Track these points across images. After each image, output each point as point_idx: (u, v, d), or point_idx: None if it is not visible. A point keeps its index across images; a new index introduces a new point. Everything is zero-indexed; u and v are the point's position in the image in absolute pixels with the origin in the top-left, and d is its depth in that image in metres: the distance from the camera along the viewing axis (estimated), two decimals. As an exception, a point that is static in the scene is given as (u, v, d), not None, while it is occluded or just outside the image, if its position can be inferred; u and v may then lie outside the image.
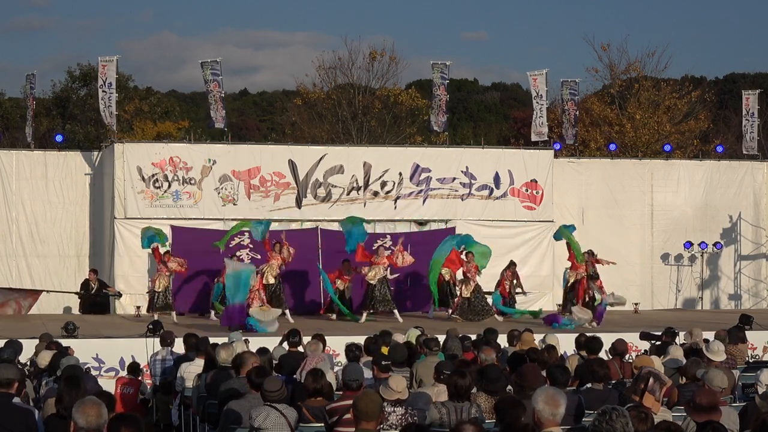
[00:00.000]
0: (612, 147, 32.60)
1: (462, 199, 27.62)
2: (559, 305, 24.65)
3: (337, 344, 16.83)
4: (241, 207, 26.55)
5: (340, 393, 9.78)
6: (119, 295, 25.73)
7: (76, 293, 25.93)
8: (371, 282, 23.15)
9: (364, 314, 23.18)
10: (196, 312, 24.99)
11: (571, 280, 23.86)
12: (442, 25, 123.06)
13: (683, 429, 8.27)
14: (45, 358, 12.60)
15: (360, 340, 13.57)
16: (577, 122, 31.77)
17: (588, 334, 14.04)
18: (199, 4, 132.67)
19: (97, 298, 25.72)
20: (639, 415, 7.19)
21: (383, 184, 27.42)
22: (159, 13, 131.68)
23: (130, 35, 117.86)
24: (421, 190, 27.61)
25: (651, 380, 8.46)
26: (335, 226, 26.09)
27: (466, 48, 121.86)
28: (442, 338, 13.58)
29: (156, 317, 22.04)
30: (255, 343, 14.41)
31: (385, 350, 12.65)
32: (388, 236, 26.35)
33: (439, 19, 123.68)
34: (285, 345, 13.85)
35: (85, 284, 25.99)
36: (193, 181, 26.37)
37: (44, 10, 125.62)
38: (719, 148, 32.68)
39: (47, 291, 26.12)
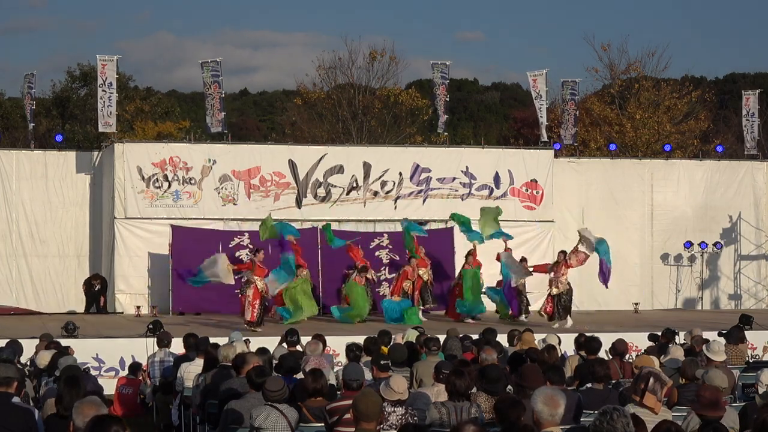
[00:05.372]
0: (612, 147, 32.60)
1: (462, 199, 27.61)
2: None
3: (337, 344, 16.86)
4: (241, 207, 26.56)
5: (340, 393, 9.78)
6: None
7: (83, 313, 25.68)
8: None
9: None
10: (196, 312, 24.95)
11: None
12: (438, 25, 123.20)
13: (683, 429, 8.28)
14: (45, 358, 12.59)
15: (360, 340, 13.56)
16: (577, 122, 31.76)
17: (587, 334, 14.05)
18: (196, 5, 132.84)
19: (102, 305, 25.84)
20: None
21: (383, 184, 27.42)
22: (157, 13, 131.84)
23: (127, 35, 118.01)
24: (421, 190, 27.61)
25: (651, 380, 8.45)
26: (335, 226, 26.05)
27: (463, 48, 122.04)
28: (442, 338, 13.57)
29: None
30: (255, 343, 14.42)
31: (384, 350, 12.65)
32: (386, 235, 26.35)
33: (435, 19, 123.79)
34: (284, 345, 13.85)
35: (88, 282, 26.03)
36: (193, 181, 26.37)
37: (42, 10, 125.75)
38: (719, 148, 32.68)
39: (49, 314, 25.73)
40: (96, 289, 25.94)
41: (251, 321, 20.89)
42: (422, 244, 24.89)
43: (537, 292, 26.35)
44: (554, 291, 22.91)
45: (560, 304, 22.73)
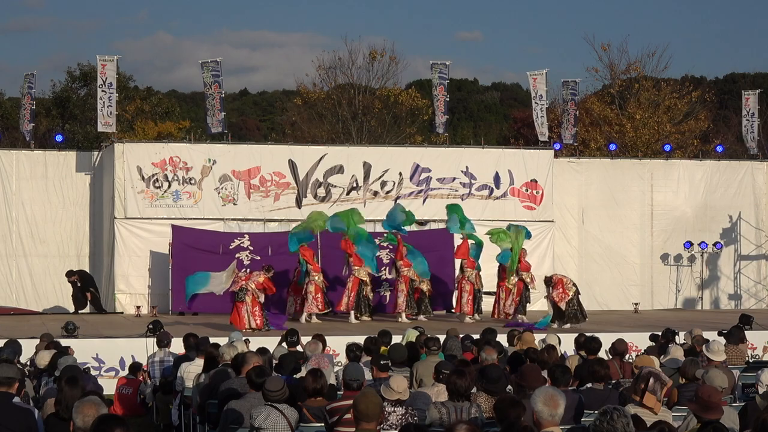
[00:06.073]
0: (612, 147, 32.61)
1: (462, 199, 27.60)
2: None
3: (337, 344, 16.85)
4: (241, 207, 26.56)
5: (340, 393, 9.77)
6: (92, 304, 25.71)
7: (74, 312, 25.61)
8: None
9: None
10: (194, 312, 24.92)
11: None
12: (437, 25, 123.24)
13: (683, 429, 8.28)
14: (44, 358, 12.57)
15: (360, 340, 13.56)
16: (577, 122, 31.76)
17: (587, 334, 14.03)
18: (195, 5, 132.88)
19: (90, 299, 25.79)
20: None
21: (383, 184, 27.42)
22: (155, 13, 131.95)
23: (126, 36, 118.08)
24: (421, 190, 27.61)
25: (651, 380, 8.45)
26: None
27: (462, 48, 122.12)
28: (442, 338, 13.56)
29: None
30: (255, 344, 14.41)
31: (384, 350, 12.64)
32: (386, 236, 26.27)
33: (435, 19, 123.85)
34: (284, 345, 13.85)
35: (71, 282, 26.01)
36: (193, 181, 26.37)
37: (41, 10, 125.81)
38: (719, 148, 32.68)
39: (49, 314, 25.68)
40: (78, 285, 25.82)
41: (258, 327, 20.83)
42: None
43: (537, 292, 26.40)
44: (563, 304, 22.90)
45: (569, 309, 22.72)
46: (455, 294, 24.49)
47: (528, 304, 24.35)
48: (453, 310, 24.36)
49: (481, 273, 24.15)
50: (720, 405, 8.07)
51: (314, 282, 22.88)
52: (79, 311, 25.47)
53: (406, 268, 23.58)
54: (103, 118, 26.55)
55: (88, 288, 25.87)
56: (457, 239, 24.83)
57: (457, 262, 25.15)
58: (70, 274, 26.06)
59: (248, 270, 24.41)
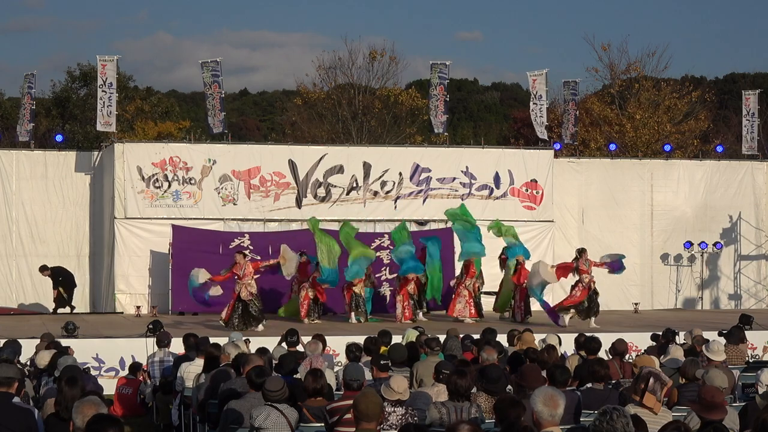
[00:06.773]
0: (612, 147, 32.59)
1: (462, 199, 27.58)
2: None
3: (337, 344, 16.85)
4: (241, 207, 26.56)
5: (340, 393, 9.77)
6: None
7: (71, 312, 25.50)
8: None
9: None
10: (194, 312, 24.88)
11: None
12: (437, 25, 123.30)
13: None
14: (44, 358, 12.57)
15: (360, 340, 13.56)
16: (577, 122, 31.75)
17: (587, 334, 14.03)
18: (195, 5, 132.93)
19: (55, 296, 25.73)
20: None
21: (383, 184, 27.41)
22: (155, 13, 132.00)
23: (126, 36, 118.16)
24: (421, 190, 27.60)
25: (651, 380, 8.45)
26: (335, 226, 26.07)
27: (462, 48, 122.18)
28: (442, 338, 13.56)
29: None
30: (255, 343, 14.41)
31: (384, 350, 12.64)
32: (386, 236, 26.30)
33: (435, 19, 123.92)
34: (284, 345, 13.85)
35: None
36: (193, 181, 26.36)
37: (40, 10, 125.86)
38: (719, 148, 32.67)
39: (49, 314, 25.63)
40: (57, 280, 25.78)
41: (224, 320, 20.91)
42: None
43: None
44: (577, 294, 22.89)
45: (591, 303, 22.78)
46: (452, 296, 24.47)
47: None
48: (447, 312, 24.35)
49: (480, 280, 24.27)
50: (723, 405, 8.08)
51: (306, 289, 23.04)
52: (73, 309, 25.44)
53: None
54: (103, 118, 26.53)
55: (56, 286, 25.76)
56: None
57: (458, 264, 25.16)
58: (43, 269, 25.94)
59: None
